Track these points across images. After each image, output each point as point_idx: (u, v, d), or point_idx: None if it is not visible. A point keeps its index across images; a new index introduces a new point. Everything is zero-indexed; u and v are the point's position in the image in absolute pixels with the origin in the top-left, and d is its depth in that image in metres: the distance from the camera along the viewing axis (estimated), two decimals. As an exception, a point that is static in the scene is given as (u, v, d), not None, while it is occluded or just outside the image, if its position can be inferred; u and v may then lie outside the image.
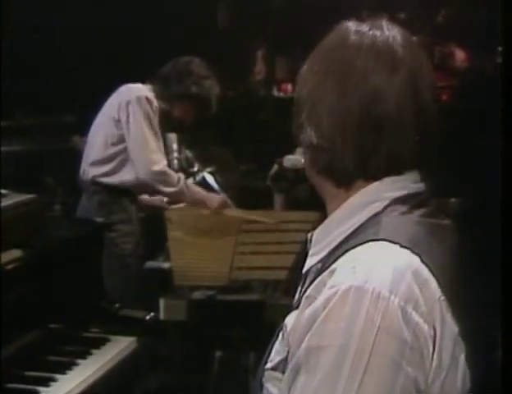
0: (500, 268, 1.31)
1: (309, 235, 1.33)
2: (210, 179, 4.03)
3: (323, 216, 1.32)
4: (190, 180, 4.10)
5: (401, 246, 1.16)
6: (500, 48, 4.47)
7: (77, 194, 3.96)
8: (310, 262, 1.30)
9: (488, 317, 1.27)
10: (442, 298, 1.15)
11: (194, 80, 3.83)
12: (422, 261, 1.16)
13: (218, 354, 3.55)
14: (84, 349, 2.40)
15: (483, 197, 3.05)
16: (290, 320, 1.27)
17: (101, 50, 5.60)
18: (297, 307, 1.24)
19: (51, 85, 5.33)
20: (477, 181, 3.75)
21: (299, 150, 3.41)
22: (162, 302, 3.19)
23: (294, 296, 1.35)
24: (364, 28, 1.29)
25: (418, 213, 1.24)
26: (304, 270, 1.31)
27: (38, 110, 5.23)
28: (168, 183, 3.70)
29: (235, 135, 6.12)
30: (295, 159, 2.79)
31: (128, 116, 3.71)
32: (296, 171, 2.87)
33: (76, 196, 3.96)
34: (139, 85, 3.86)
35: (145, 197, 4.00)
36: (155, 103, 3.78)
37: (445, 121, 1.29)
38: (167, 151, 4.26)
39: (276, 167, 3.04)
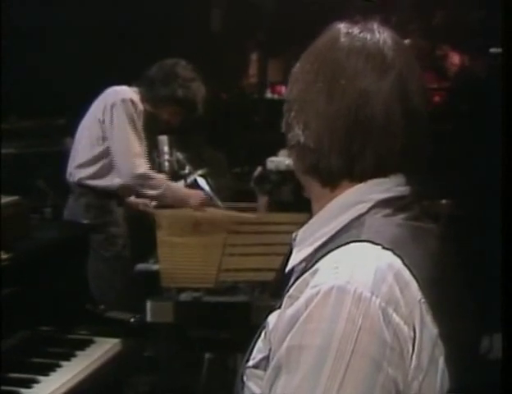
0: (500, 268, 1.31)
1: (294, 234, 1.32)
2: (202, 182, 4.01)
3: (311, 217, 1.31)
4: (181, 183, 4.08)
5: (383, 248, 1.16)
6: (494, 49, 4.49)
7: (68, 196, 3.94)
8: (293, 260, 1.30)
9: (469, 318, 1.27)
10: (422, 300, 1.15)
11: (180, 83, 3.80)
12: (404, 263, 1.15)
13: (208, 356, 3.54)
14: (69, 351, 2.40)
15: (482, 198, 3.05)
16: (272, 319, 1.27)
17: (93, 52, 5.59)
18: (280, 306, 1.24)
19: (42, 88, 5.31)
20: (476, 183, 3.75)
21: (283, 152, 3.43)
22: (148, 304, 3.19)
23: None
24: (355, 30, 1.28)
25: (401, 215, 1.24)
26: (287, 269, 1.31)
27: (29, 113, 5.21)
28: (152, 186, 3.69)
29: (228, 138, 6.11)
30: (278, 161, 2.79)
31: (112, 119, 3.70)
32: (279, 172, 2.87)
33: (67, 199, 3.95)
34: (124, 88, 3.84)
35: (132, 199, 3.98)
36: (140, 106, 3.76)
37: (440, 123, 1.28)
38: (158, 153, 4.24)
39: (259, 168, 3.04)
